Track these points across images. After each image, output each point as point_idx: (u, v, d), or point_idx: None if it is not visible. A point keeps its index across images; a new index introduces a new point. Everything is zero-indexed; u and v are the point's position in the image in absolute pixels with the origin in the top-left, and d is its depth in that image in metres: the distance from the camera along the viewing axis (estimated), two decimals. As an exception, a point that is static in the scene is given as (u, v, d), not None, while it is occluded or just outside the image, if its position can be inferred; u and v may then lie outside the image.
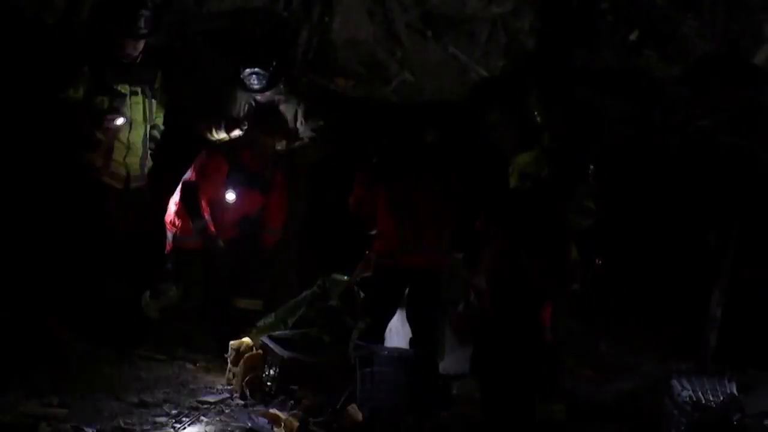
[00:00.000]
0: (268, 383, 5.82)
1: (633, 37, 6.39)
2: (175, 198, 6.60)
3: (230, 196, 6.54)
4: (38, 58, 6.35)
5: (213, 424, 5.33)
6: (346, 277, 6.70)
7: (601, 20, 6.37)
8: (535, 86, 6.50)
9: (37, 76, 6.38)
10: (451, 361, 6.31)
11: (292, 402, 5.73)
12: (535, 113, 6.36)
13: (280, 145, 6.81)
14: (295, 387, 5.84)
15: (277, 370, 5.82)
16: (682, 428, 5.23)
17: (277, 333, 6.40)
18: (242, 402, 5.75)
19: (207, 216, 6.47)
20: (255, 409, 5.61)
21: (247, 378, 5.88)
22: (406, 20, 6.52)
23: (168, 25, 6.47)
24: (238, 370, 5.94)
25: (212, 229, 6.48)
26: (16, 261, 6.42)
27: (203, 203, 6.47)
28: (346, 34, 6.55)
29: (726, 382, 5.62)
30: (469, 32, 6.59)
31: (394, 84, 6.83)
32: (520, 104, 6.57)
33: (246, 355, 5.98)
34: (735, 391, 5.56)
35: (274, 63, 6.71)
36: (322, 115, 7.02)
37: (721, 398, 5.39)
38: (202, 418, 5.40)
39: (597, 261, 5.49)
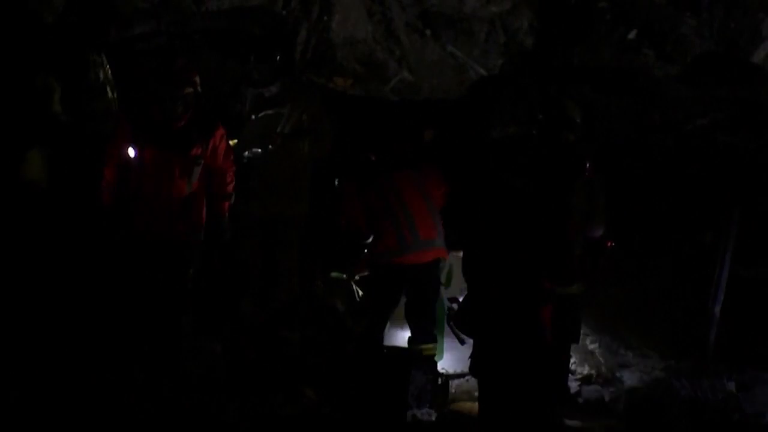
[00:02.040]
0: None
1: (631, 35, 6.41)
2: None
3: (130, 151, 5.89)
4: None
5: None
6: (345, 276, 6.69)
7: (600, 19, 6.39)
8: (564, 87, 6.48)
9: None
10: (451, 361, 6.31)
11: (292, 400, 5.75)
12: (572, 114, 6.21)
13: (185, 100, 5.91)
14: (296, 385, 5.86)
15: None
16: (682, 428, 5.24)
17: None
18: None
19: (105, 184, 5.97)
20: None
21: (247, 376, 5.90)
22: (405, 19, 6.53)
23: (168, 25, 6.46)
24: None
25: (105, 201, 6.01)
26: (17, 261, 6.40)
27: (109, 168, 5.97)
28: (344, 33, 6.55)
29: (725, 381, 5.64)
30: (467, 31, 6.61)
31: (393, 83, 6.83)
32: (525, 101, 6.57)
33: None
34: (734, 391, 5.59)
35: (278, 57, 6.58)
36: (322, 115, 6.99)
37: (721, 398, 5.40)
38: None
39: (609, 243, 5.44)
